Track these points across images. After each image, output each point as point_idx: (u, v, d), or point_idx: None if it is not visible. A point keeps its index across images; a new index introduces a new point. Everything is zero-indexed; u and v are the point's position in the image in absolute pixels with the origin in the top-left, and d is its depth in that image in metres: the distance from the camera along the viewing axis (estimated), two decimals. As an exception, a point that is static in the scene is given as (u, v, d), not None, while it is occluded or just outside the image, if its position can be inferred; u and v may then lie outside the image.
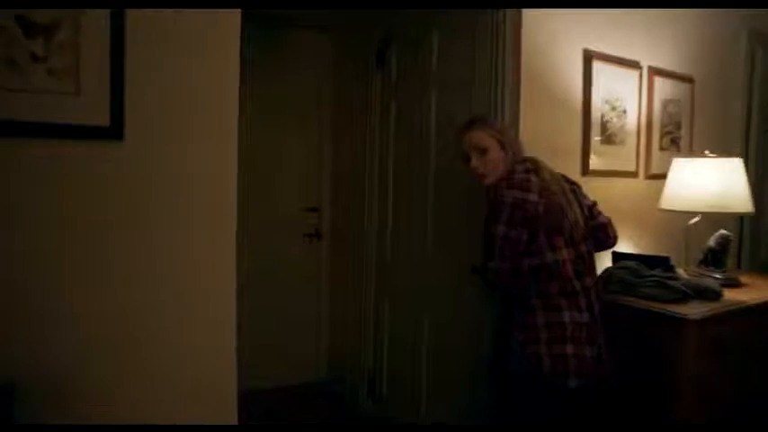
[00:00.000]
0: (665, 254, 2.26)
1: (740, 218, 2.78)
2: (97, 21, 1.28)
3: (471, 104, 2.28)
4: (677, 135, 2.59)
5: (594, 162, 2.29)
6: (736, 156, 2.27)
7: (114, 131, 1.34)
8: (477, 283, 2.21)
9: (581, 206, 1.86)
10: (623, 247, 2.30)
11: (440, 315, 2.48)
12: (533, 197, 1.70)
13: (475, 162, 1.84)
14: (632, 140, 2.42)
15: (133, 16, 1.36)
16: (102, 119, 1.31)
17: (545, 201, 1.71)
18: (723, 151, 2.28)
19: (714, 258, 2.16)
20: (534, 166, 1.81)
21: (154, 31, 1.40)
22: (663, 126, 2.53)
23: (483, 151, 1.83)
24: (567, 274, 1.72)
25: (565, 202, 1.77)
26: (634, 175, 2.46)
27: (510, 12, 2.11)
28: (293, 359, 3.23)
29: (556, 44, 2.19)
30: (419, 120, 2.60)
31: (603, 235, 1.96)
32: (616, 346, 1.81)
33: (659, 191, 2.45)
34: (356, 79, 3.03)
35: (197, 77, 1.49)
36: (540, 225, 1.69)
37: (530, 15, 2.11)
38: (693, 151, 2.64)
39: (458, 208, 2.38)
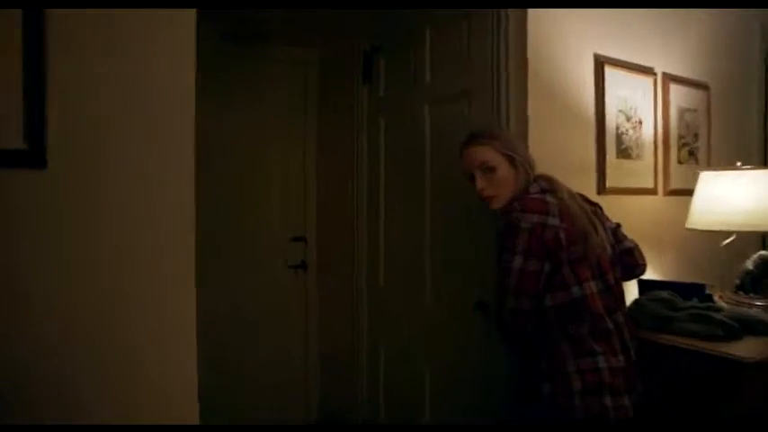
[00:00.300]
0: (691, 279, 1.99)
1: (762, 237, 2.52)
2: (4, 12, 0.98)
3: (470, 118, 2.01)
4: (695, 146, 2.33)
5: (610, 179, 2.02)
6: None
7: (33, 157, 1.03)
8: (487, 323, 1.91)
9: (605, 229, 1.58)
10: (646, 273, 2.01)
11: (443, 357, 2.16)
12: (554, 221, 1.42)
13: (480, 183, 1.56)
14: (649, 154, 2.16)
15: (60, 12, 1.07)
16: (15, 140, 1.00)
17: (566, 225, 1.43)
18: (742, 162, 2.02)
19: (753, 283, 1.88)
20: (550, 186, 1.53)
21: (86, 32, 1.11)
22: (680, 137, 2.27)
23: (490, 170, 1.55)
24: (597, 311, 1.44)
25: (589, 226, 1.49)
26: (652, 191, 2.19)
27: (513, 13, 1.85)
28: (279, 402, 2.87)
29: (564, 48, 1.93)
30: (411, 136, 2.32)
31: (631, 261, 1.68)
32: (652, 394, 1.51)
33: (680, 208, 2.18)
34: (342, 96, 2.76)
35: (147, 89, 1.20)
36: (563, 254, 1.41)
37: (534, 17, 1.85)
38: (712, 164, 2.39)
39: (459, 235, 2.09)
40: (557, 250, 1.40)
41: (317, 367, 2.98)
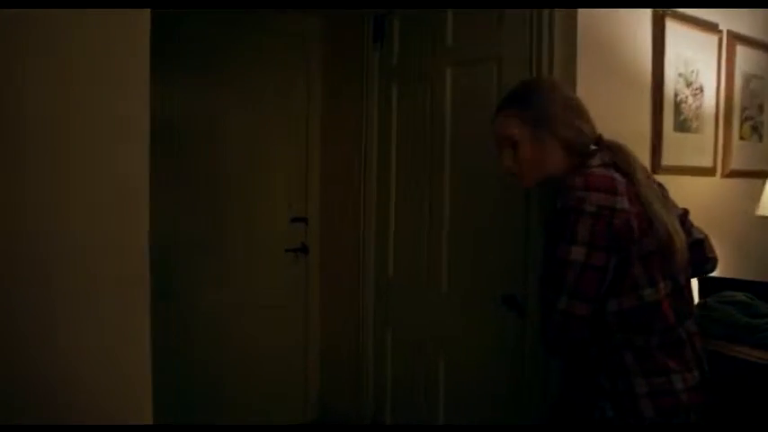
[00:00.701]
0: (753, 276, 1.65)
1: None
2: None
3: (501, 83, 1.64)
4: (759, 120, 1.96)
5: (667, 155, 1.66)
6: None
7: None
8: (518, 322, 1.58)
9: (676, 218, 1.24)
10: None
11: (462, 358, 1.83)
12: (623, 203, 1.09)
13: (506, 159, 1.26)
14: (709, 127, 1.79)
15: None
16: None
17: (637, 210, 1.10)
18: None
19: (839, 284, 1.53)
20: (616, 157, 1.19)
21: None
22: (743, 109, 1.90)
23: (513, 145, 1.24)
24: (669, 319, 1.12)
25: (666, 214, 1.15)
26: (711, 172, 1.83)
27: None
28: (275, 397, 2.57)
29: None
30: (429, 105, 1.96)
31: (700, 256, 1.34)
32: (724, 420, 1.19)
33: (741, 193, 1.84)
34: (349, 63, 2.39)
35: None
36: (634, 247, 1.08)
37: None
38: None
39: (485, 216, 1.74)
40: (627, 242, 1.08)
41: (317, 362, 2.65)
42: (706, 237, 1.36)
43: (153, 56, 1.10)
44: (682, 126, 1.70)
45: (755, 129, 1.95)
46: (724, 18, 1.82)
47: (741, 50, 1.85)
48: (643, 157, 1.64)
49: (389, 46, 2.20)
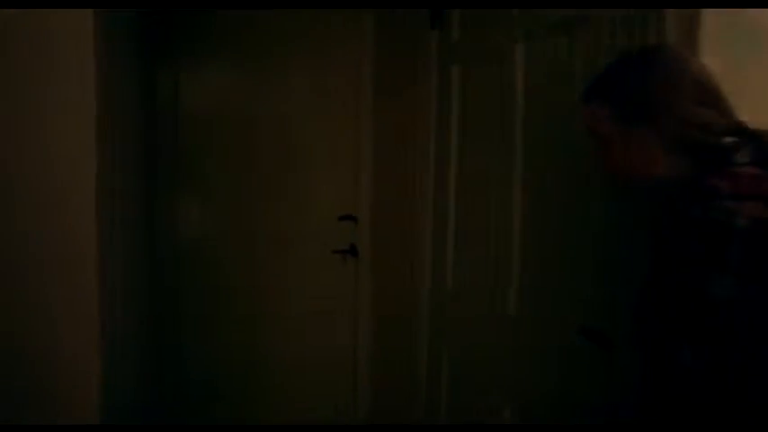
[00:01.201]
0: None
1: None
2: None
3: (589, 54, 1.25)
4: None
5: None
6: None
7: None
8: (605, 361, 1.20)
9: None
10: None
11: (534, 398, 1.47)
12: None
13: (601, 153, 0.96)
14: None
15: None
16: None
17: None
18: None
19: None
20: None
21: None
22: None
23: (601, 142, 0.95)
24: None
25: None
26: None
27: None
28: (322, 403, 2.32)
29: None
30: (496, 88, 1.59)
31: None
32: None
33: None
34: (403, 47, 2.09)
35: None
36: None
37: None
38: None
39: (566, 225, 1.36)
40: None
41: (367, 372, 2.37)
42: None
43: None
44: (844, 108, 1.22)
45: None
46: None
47: None
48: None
49: (449, 24, 1.86)
